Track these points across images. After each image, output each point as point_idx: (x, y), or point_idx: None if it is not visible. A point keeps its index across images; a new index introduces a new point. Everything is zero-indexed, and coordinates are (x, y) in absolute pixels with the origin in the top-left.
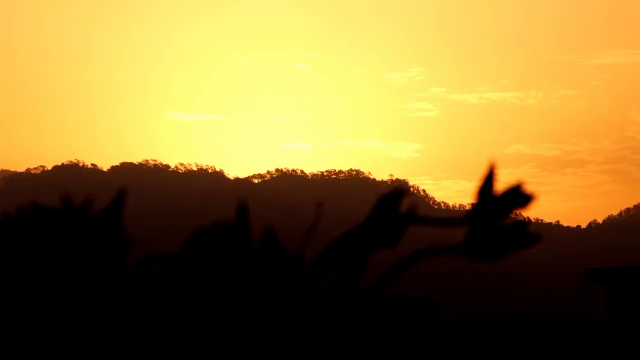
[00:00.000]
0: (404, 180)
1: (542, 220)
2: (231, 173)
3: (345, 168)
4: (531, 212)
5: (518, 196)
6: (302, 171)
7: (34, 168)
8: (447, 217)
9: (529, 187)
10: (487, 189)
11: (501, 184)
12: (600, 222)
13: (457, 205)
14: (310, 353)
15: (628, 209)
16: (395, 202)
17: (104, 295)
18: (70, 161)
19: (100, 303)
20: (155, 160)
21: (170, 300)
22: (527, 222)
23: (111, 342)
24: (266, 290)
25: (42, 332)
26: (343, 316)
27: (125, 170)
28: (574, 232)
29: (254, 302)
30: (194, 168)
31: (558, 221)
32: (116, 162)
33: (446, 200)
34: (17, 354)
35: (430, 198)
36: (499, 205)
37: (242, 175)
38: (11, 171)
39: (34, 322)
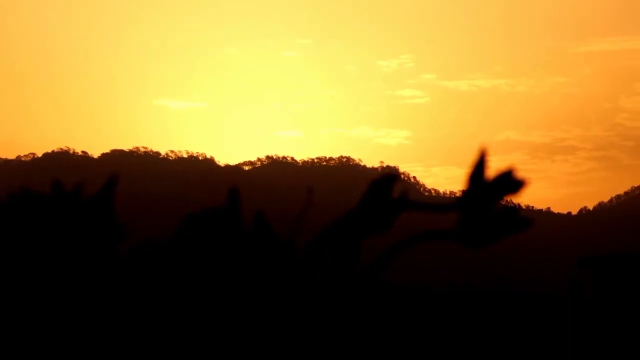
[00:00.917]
0: (394, 167)
1: (532, 207)
2: (222, 160)
3: (335, 155)
4: (522, 199)
5: (509, 182)
6: (292, 158)
7: (24, 155)
8: (438, 203)
9: (519, 174)
10: (478, 175)
11: (492, 171)
12: (591, 208)
13: (448, 192)
14: (302, 335)
15: (618, 196)
16: (387, 188)
17: (96, 280)
18: (61, 148)
19: (93, 289)
20: (145, 148)
21: (163, 285)
22: (517, 208)
23: (105, 327)
24: (258, 274)
25: (35, 317)
26: (336, 299)
27: (116, 157)
28: (565, 219)
29: (247, 286)
30: (185, 155)
31: (549, 208)
32: (106, 149)
33: (437, 187)
34: (10, 337)
35: (421, 185)
36: (490, 191)
37: (233, 162)
38: (1, 158)
39: (26, 308)
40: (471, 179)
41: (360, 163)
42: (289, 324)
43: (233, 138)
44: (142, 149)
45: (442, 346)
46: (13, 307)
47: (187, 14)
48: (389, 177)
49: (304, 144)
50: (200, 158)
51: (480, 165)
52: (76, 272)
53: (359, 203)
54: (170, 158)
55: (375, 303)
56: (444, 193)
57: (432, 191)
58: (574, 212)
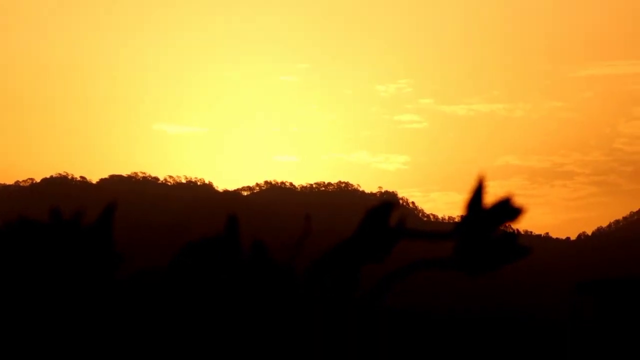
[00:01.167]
0: (393, 192)
1: (531, 232)
2: (220, 185)
3: (334, 180)
4: (520, 225)
5: (507, 209)
6: (291, 183)
7: (23, 181)
8: (435, 231)
9: (518, 200)
10: (476, 202)
11: (490, 197)
12: (590, 234)
13: (447, 218)
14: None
15: (617, 221)
16: (384, 215)
17: (94, 308)
18: (59, 174)
19: (91, 316)
20: (144, 173)
21: (162, 312)
22: (516, 235)
23: (104, 353)
24: (257, 302)
25: (34, 343)
26: (336, 324)
27: (114, 182)
28: (564, 244)
29: (245, 314)
30: (183, 180)
31: (547, 233)
32: (105, 175)
33: (435, 213)
34: None
35: (420, 210)
36: (488, 218)
37: (231, 187)
38: (0, 183)
39: (26, 334)
40: (469, 207)
41: (358, 188)
42: (290, 349)
43: (231, 163)
44: (140, 174)
45: None
46: (12, 333)
47: (185, 39)
48: (385, 206)
49: (302, 169)
50: (198, 183)
51: (478, 192)
52: (74, 299)
53: (356, 230)
54: (169, 183)
55: (374, 328)
56: (443, 218)
57: (431, 216)
58: (573, 237)
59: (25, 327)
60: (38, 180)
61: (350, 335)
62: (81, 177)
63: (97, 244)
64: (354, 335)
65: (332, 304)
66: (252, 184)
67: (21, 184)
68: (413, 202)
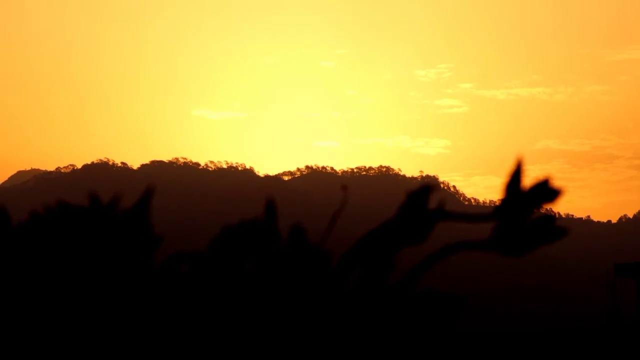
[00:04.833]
0: (434, 176)
1: (572, 215)
2: (261, 170)
3: (375, 165)
4: (561, 208)
5: (546, 191)
6: (332, 168)
7: (64, 167)
8: (474, 213)
9: (557, 183)
10: (514, 184)
11: (529, 179)
12: (631, 216)
13: (488, 201)
14: (337, 351)
15: None
16: (423, 198)
17: (131, 293)
18: (100, 160)
19: (128, 301)
20: (185, 158)
21: (198, 298)
22: (554, 216)
23: (139, 339)
24: (294, 288)
25: (71, 330)
26: (370, 314)
27: (155, 168)
28: (605, 227)
29: (282, 300)
30: (224, 166)
31: (589, 216)
32: (146, 160)
33: (476, 196)
34: (45, 349)
35: (461, 194)
36: (526, 200)
37: (272, 172)
38: (41, 170)
39: (63, 321)
40: (507, 189)
41: (399, 172)
42: (322, 337)
43: (272, 148)
44: (181, 160)
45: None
46: (48, 320)
47: (226, 25)
48: (424, 188)
49: (342, 154)
50: (239, 169)
51: (516, 174)
52: (112, 285)
53: (394, 215)
54: (210, 169)
55: (407, 313)
56: (484, 202)
57: (472, 200)
58: (614, 220)
59: (62, 310)
60: (79, 166)
61: (382, 321)
62: (122, 162)
63: (133, 228)
64: (386, 322)
65: (365, 291)
66: (293, 168)
67: (62, 170)
68: (454, 186)
